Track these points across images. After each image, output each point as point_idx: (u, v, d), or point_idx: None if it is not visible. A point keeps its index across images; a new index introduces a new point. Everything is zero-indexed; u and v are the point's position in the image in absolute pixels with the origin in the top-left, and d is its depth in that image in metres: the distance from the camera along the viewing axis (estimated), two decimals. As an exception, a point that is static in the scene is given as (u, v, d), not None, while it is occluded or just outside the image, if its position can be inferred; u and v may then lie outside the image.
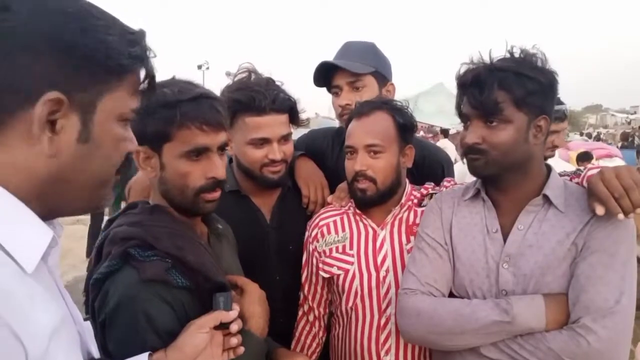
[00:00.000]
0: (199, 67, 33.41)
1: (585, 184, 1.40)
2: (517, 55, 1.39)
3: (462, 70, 1.41)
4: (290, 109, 1.74)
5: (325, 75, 1.98)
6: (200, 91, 1.28)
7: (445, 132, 14.34)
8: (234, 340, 1.16)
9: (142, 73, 0.82)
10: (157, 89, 1.23)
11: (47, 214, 0.76)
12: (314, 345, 1.82)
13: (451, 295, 1.49)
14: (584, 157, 7.18)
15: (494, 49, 1.40)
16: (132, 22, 0.81)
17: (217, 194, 1.31)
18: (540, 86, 1.35)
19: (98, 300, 1.17)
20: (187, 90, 1.26)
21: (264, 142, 1.70)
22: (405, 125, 1.67)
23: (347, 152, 1.68)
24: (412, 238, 1.66)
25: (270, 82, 1.73)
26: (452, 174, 1.95)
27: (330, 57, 2.02)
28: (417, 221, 1.68)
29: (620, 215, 1.26)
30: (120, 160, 0.83)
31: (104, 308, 1.15)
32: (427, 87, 17.42)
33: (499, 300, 1.35)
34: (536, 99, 1.35)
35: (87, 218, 8.16)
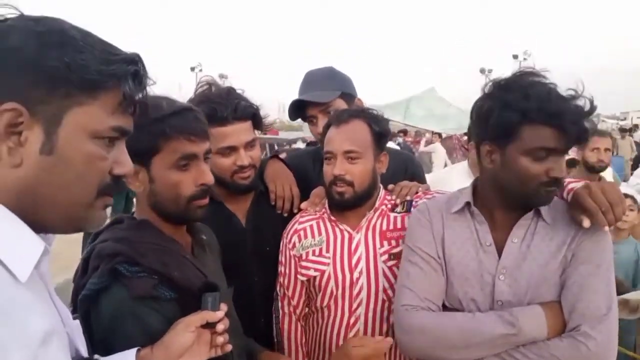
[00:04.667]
0: (192, 69, 33.39)
1: (567, 197, 1.46)
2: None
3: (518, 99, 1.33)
4: (252, 116, 1.81)
5: (298, 109, 2.11)
6: (183, 105, 1.35)
7: (440, 136, 14.39)
8: (220, 339, 1.18)
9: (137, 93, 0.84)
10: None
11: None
12: (303, 341, 1.86)
13: (443, 307, 1.52)
14: (571, 164, 7.28)
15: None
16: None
17: (207, 200, 1.37)
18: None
19: (92, 318, 1.19)
20: (171, 104, 1.32)
21: (231, 150, 1.77)
22: (380, 133, 1.74)
23: (326, 157, 1.75)
24: (385, 243, 1.73)
25: (231, 91, 1.79)
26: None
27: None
28: (390, 227, 1.75)
29: (606, 228, 1.35)
30: (101, 180, 0.83)
31: (99, 328, 1.17)
32: (418, 92, 17.51)
33: (501, 312, 1.39)
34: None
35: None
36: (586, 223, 1.36)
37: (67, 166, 0.78)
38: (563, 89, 1.36)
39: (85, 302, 1.20)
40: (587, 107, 1.33)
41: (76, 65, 0.76)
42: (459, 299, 1.49)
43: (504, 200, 1.46)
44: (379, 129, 1.74)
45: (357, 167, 1.70)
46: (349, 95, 2.11)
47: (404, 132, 15.94)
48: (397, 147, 11.26)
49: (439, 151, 12.02)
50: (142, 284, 1.18)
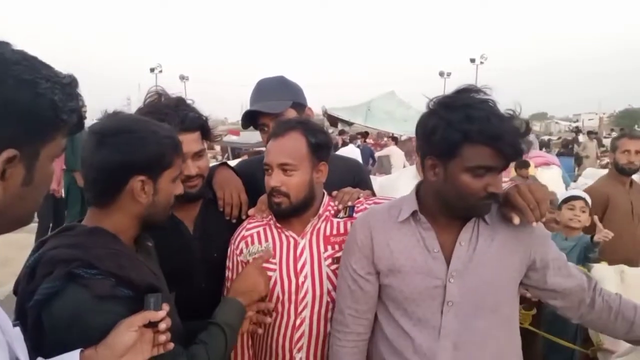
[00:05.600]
0: (152, 70, 32.89)
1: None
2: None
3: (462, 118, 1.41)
4: (201, 127, 1.86)
5: (250, 118, 2.15)
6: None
7: (395, 139, 14.66)
8: (162, 337, 1.23)
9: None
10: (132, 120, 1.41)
11: None
12: (250, 343, 1.91)
13: (396, 309, 1.61)
14: (522, 165, 7.55)
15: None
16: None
17: None
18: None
19: (45, 321, 1.20)
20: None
21: None
22: (318, 144, 1.78)
23: (265, 168, 1.81)
24: (329, 247, 1.81)
25: (180, 102, 1.83)
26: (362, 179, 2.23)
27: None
28: (334, 232, 1.83)
29: (535, 223, 1.48)
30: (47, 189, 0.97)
31: (56, 328, 1.19)
32: (379, 94, 17.79)
33: None
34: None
35: (30, 227, 7.91)
36: (516, 220, 1.49)
37: (37, 190, 0.92)
38: (502, 104, 1.45)
39: (37, 306, 1.21)
40: (522, 129, 1.43)
41: (58, 108, 0.87)
42: (406, 305, 1.58)
43: (447, 210, 1.55)
44: (316, 140, 1.78)
45: (293, 179, 1.76)
46: (299, 104, 2.16)
47: (364, 135, 16.09)
48: (357, 150, 11.43)
49: (395, 154, 12.35)
50: (103, 284, 1.22)
